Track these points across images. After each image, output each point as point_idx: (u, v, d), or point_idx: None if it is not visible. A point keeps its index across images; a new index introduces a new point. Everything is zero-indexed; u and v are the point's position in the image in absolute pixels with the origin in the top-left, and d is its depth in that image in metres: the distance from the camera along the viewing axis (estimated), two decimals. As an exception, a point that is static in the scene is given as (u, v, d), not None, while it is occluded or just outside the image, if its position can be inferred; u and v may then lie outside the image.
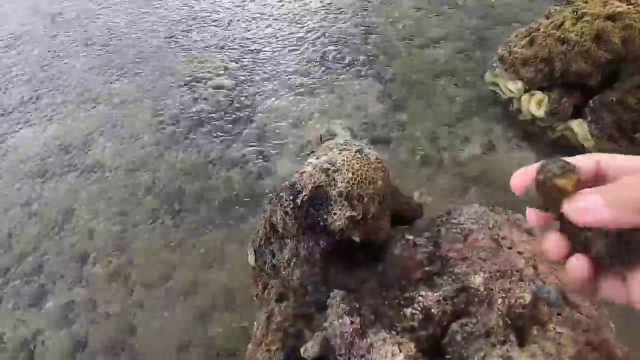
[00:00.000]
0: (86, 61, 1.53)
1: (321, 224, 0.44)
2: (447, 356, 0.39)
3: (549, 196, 0.24)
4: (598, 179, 0.27)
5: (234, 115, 1.24)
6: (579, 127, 0.95)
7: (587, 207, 0.25)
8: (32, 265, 0.94)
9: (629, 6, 0.89)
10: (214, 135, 1.19)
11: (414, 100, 1.24)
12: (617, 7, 0.89)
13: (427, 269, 0.47)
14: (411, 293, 0.43)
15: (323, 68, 1.36)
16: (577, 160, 0.25)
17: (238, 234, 0.94)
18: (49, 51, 1.61)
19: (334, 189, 0.43)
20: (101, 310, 0.85)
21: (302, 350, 0.35)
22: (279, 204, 0.48)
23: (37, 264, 0.94)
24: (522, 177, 0.28)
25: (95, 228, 0.99)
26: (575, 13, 0.95)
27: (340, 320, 0.33)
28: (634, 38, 0.86)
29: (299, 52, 1.44)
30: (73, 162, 1.17)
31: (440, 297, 0.41)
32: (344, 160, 0.45)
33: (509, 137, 1.08)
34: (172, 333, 0.79)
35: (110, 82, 1.42)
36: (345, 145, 0.48)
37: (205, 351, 0.75)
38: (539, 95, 1.00)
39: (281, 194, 0.47)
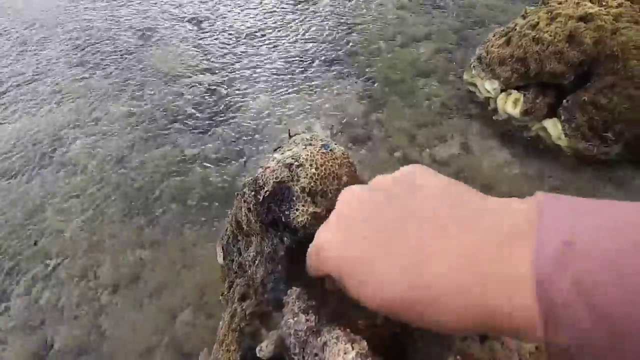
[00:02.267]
0: (58, 55, 1.49)
1: (284, 220, 0.43)
2: (409, 353, 0.38)
3: None
4: None
5: (212, 113, 1.22)
6: (553, 127, 0.96)
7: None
8: (-4, 266, 0.90)
9: (601, 7, 0.91)
10: (191, 132, 1.17)
11: (394, 99, 1.24)
12: (589, 8, 0.91)
13: (393, 266, 0.47)
14: (375, 290, 0.42)
15: (303, 67, 1.35)
16: None
17: (213, 234, 0.93)
18: (19, 44, 1.56)
19: (297, 185, 0.42)
20: (68, 311, 0.82)
21: (257, 349, 0.34)
22: (242, 201, 0.47)
23: (2, 264, 0.90)
24: None
25: (65, 227, 0.96)
26: (549, 13, 0.96)
27: (295, 319, 0.32)
28: (605, 39, 0.87)
29: (280, 50, 1.43)
30: (43, 158, 1.13)
31: (404, 294, 0.40)
32: (307, 155, 0.44)
33: (485, 137, 1.09)
34: (140, 334, 0.77)
35: (84, 77, 1.38)
36: (311, 140, 0.47)
37: (174, 352, 0.73)
38: (514, 94, 1.01)
39: (244, 190, 0.46)
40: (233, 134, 1.16)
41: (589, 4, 0.93)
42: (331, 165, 0.44)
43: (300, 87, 1.28)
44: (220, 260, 0.61)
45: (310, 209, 0.42)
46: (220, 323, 0.53)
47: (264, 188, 0.43)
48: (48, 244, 0.93)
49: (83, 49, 1.51)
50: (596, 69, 0.91)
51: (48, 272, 0.88)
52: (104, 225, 0.96)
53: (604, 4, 0.92)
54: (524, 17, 1.06)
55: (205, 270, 0.85)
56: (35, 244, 0.93)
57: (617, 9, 0.91)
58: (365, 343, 0.29)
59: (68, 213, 0.99)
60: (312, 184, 0.42)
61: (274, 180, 0.42)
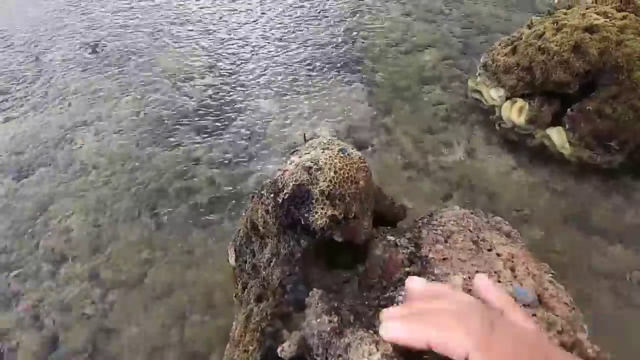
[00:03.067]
0: (65, 54, 1.49)
1: (302, 223, 0.44)
2: (425, 356, 0.38)
3: None
4: None
5: (219, 115, 1.23)
6: (557, 135, 0.97)
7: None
8: (4, 265, 0.90)
9: (606, 19, 0.92)
10: (198, 134, 1.17)
11: (400, 105, 1.25)
12: (594, 19, 0.92)
13: (407, 269, 0.47)
14: (391, 293, 0.43)
15: (310, 71, 1.37)
16: None
17: (220, 235, 0.93)
18: (27, 44, 1.56)
19: (316, 188, 0.43)
20: (75, 311, 0.82)
21: (278, 350, 0.34)
22: (260, 202, 0.48)
23: (9, 263, 0.90)
24: None
25: (71, 226, 0.96)
26: (555, 24, 0.98)
27: (318, 320, 0.33)
28: (610, 50, 0.89)
29: (287, 54, 1.44)
30: (50, 158, 1.13)
31: (420, 298, 0.41)
32: (326, 159, 0.45)
33: (490, 144, 1.10)
34: (148, 335, 0.77)
35: (91, 77, 1.39)
36: (329, 144, 0.48)
37: (182, 353, 0.74)
38: (519, 102, 1.02)
39: (262, 192, 0.47)
40: (240, 136, 1.16)
41: (595, 16, 0.95)
42: (349, 169, 0.45)
43: (306, 91, 1.29)
44: (232, 261, 0.62)
45: (329, 212, 0.43)
46: (234, 324, 0.53)
47: (283, 190, 0.44)
48: (55, 244, 0.93)
49: (90, 50, 1.52)
50: (601, 79, 0.92)
51: (55, 272, 0.88)
52: (111, 225, 0.96)
53: (609, 15, 0.94)
54: (529, 26, 1.08)
55: (213, 270, 0.85)
56: (50, 247, 0.93)
57: (622, 20, 0.93)
58: (390, 344, 0.30)
59: (74, 212, 0.99)
60: (331, 187, 0.43)
61: (294, 182, 0.43)
